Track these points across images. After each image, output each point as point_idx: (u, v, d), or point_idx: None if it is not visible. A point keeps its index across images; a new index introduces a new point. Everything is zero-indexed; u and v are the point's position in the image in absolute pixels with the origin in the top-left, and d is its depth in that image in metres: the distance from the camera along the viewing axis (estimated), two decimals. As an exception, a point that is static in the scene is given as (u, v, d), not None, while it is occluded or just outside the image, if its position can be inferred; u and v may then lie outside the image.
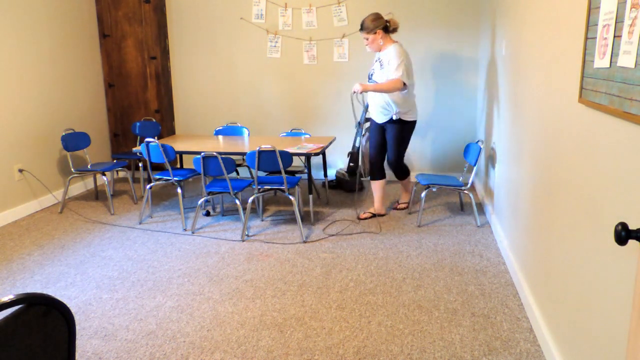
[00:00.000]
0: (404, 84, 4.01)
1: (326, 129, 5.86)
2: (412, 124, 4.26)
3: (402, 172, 4.46)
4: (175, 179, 4.38)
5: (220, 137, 5.06)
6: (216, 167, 3.99)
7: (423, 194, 4.42)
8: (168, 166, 4.33)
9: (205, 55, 5.91)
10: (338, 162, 5.92)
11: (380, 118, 4.28)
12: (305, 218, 4.49)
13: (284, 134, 5.19)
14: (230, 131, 5.31)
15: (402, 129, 4.22)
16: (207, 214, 4.68)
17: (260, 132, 5.99)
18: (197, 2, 5.80)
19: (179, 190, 4.41)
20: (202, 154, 3.97)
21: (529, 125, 2.91)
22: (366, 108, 4.49)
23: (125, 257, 3.69)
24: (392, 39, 4.20)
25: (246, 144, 4.58)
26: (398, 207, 4.67)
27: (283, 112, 5.91)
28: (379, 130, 4.36)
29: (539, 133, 2.66)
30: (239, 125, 5.37)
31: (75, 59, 5.47)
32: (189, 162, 5.85)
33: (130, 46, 5.89)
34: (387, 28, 4.16)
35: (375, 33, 4.12)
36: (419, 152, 5.73)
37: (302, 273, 3.39)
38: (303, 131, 5.24)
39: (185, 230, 4.26)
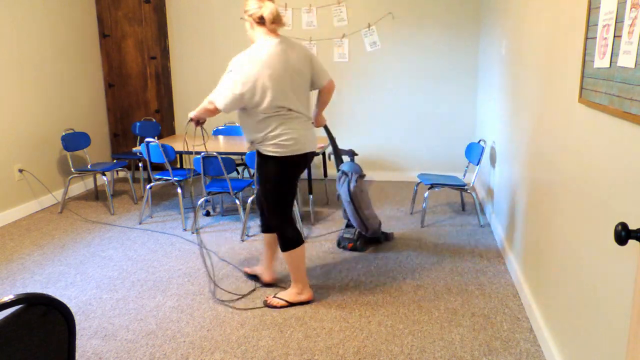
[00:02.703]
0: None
1: (326, 129, 5.86)
2: (281, 161, 2.74)
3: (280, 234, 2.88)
4: (175, 179, 4.38)
5: (220, 137, 5.06)
6: (216, 167, 3.99)
7: (426, 194, 4.42)
8: (168, 166, 4.33)
9: (205, 55, 5.91)
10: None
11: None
12: (305, 218, 4.49)
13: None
14: (230, 131, 5.31)
15: (269, 167, 2.79)
16: (207, 213, 4.68)
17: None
18: (197, 2, 5.80)
19: (179, 190, 4.41)
20: (202, 153, 3.97)
21: (529, 125, 2.91)
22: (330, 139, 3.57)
23: (125, 257, 3.69)
24: (271, 34, 2.70)
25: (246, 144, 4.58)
26: (262, 279, 3.22)
27: (283, 112, 5.90)
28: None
29: (539, 133, 2.66)
30: (238, 125, 5.36)
31: (75, 59, 5.47)
32: (188, 162, 5.85)
33: (130, 46, 5.89)
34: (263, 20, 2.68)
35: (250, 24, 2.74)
36: (418, 152, 5.73)
37: (302, 273, 3.38)
38: None
39: (185, 230, 4.26)
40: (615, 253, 1.62)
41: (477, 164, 4.27)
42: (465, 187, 4.25)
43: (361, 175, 3.52)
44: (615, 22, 1.57)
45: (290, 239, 2.84)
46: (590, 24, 1.83)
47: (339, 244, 3.78)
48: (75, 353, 1.12)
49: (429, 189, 4.28)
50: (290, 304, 2.93)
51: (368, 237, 3.79)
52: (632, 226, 1.48)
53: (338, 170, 3.65)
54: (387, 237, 3.89)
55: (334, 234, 4.10)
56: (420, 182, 4.38)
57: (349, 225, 3.79)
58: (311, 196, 4.34)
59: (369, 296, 3.05)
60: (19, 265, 3.61)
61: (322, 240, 3.97)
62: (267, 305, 2.94)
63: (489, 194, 4.40)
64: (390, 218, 4.47)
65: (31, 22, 4.83)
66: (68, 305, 1.79)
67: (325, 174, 4.91)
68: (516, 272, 3.11)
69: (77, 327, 2.78)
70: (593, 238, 1.81)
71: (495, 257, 3.58)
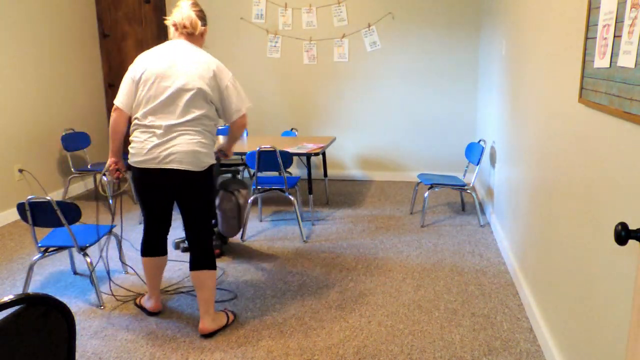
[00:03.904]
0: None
1: (326, 129, 5.87)
2: (132, 170, 2.61)
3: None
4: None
5: (220, 137, 5.06)
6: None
7: (426, 194, 4.42)
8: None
9: (205, 55, 5.91)
10: (338, 162, 5.92)
11: None
12: (305, 218, 4.49)
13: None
14: (226, 131, 5.30)
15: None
16: (177, 246, 4.64)
17: (260, 132, 5.99)
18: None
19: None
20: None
21: (529, 125, 2.91)
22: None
23: (125, 257, 3.69)
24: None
25: (245, 143, 4.58)
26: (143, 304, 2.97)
27: (283, 112, 5.91)
28: None
29: (539, 133, 2.66)
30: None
31: (75, 59, 5.47)
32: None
33: (130, 46, 5.89)
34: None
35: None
36: (418, 152, 5.73)
37: (302, 273, 3.39)
38: (293, 131, 5.22)
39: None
40: (615, 253, 1.62)
41: (477, 164, 4.27)
42: (465, 187, 4.25)
43: (245, 187, 3.57)
44: (615, 22, 1.57)
45: (141, 245, 2.79)
46: (590, 24, 1.83)
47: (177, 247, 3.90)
48: (75, 353, 1.12)
49: (429, 189, 4.28)
50: (141, 308, 2.94)
51: (224, 239, 3.88)
52: (632, 226, 1.48)
53: (217, 190, 3.52)
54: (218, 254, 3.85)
55: (334, 234, 4.10)
56: (420, 182, 4.38)
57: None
58: (311, 196, 4.34)
59: (369, 296, 3.05)
60: (19, 265, 3.61)
61: (322, 240, 3.97)
62: (135, 304, 2.97)
63: (489, 194, 4.40)
64: (390, 218, 4.48)
65: (31, 22, 4.83)
66: (68, 306, 1.79)
67: (325, 174, 4.91)
68: (516, 272, 3.11)
69: (77, 327, 2.77)
70: (593, 238, 1.81)
71: (495, 257, 3.58)
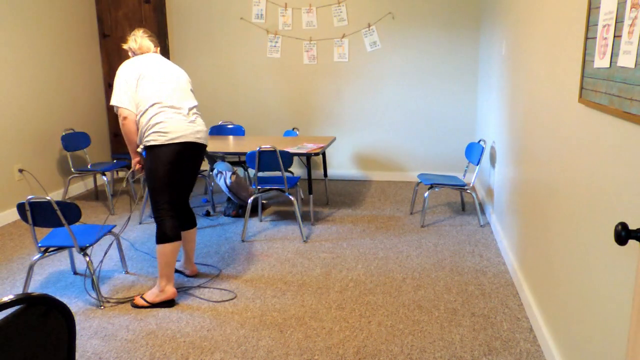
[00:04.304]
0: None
1: (326, 129, 5.87)
2: (160, 151, 2.86)
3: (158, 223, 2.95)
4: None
5: (235, 137, 5.06)
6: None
7: (426, 194, 4.42)
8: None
9: (205, 55, 5.91)
10: (338, 162, 5.92)
11: None
12: (305, 218, 4.49)
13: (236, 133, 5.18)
14: (227, 131, 5.31)
15: (152, 157, 2.90)
16: (207, 213, 4.68)
17: (260, 132, 5.99)
18: (197, 2, 5.80)
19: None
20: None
21: (528, 125, 2.91)
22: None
23: (125, 257, 3.69)
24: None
25: (231, 143, 4.58)
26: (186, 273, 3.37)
27: (283, 112, 5.91)
28: None
29: (539, 133, 2.66)
30: (233, 124, 5.37)
31: (75, 59, 5.47)
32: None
33: (130, 46, 5.88)
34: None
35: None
36: (418, 152, 5.73)
37: (302, 273, 3.39)
38: (295, 131, 5.22)
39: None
40: (615, 253, 1.62)
41: (477, 164, 4.27)
42: (465, 187, 4.25)
43: (233, 173, 4.35)
44: (615, 22, 1.57)
45: (163, 232, 2.91)
46: (590, 24, 1.83)
47: (224, 213, 4.61)
48: (75, 353, 1.12)
49: (429, 189, 4.28)
50: (152, 305, 2.96)
51: (245, 206, 4.50)
52: (632, 226, 1.48)
53: (212, 169, 4.41)
54: (264, 205, 4.84)
55: (334, 234, 4.10)
56: (420, 182, 4.38)
57: (229, 200, 4.63)
58: (311, 196, 4.34)
59: (369, 296, 3.05)
60: (19, 265, 3.61)
61: (321, 240, 3.97)
62: (133, 304, 2.99)
63: (489, 194, 4.40)
64: (390, 218, 4.48)
65: (31, 22, 4.83)
66: (68, 306, 1.79)
67: (325, 174, 4.91)
68: (516, 272, 3.11)
69: (77, 327, 2.78)
70: (593, 238, 1.81)
71: (495, 257, 3.58)
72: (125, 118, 2.88)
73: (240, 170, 6.11)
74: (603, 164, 1.73)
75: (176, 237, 2.93)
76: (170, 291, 2.96)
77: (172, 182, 2.92)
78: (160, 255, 2.92)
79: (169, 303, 2.97)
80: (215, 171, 4.34)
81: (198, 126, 2.98)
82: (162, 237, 2.90)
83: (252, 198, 4.06)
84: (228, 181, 4.30)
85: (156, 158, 2.86)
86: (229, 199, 4.62)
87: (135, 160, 3.05)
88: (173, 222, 2.93)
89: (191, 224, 3.20)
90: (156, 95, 2.88)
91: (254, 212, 4.65)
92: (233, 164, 4.95)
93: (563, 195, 2.19)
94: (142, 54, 3.06)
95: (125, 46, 3.10)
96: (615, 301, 1.61)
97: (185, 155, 2.92)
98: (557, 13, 2.37)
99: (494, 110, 4.24)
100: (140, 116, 2.88)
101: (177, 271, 3.40)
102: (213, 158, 4.54)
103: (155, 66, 2.96)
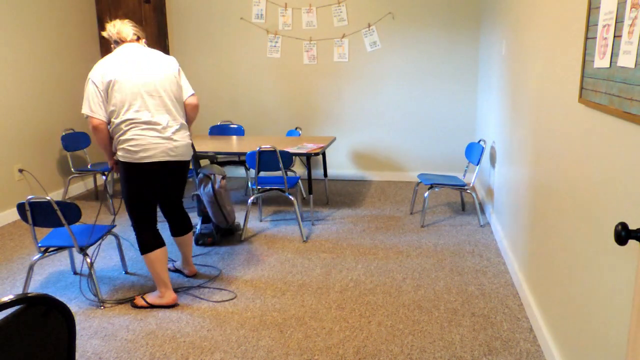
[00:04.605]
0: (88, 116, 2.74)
1: (326, 129, 5.87)
2: (131, 167, 2.75)
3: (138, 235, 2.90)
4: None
5: (234, 137, 5.06)
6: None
7: (426, 194, 4.41)
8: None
9: (205, 55, 5.91)
10: (338, 162, 5.92)
11: None
12: (305, 218, 4.49)
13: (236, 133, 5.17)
14: (227, 130, 5.31)
15: (123, 172, 2.82)
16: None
17: (260, 132, 5.99)
18: (197, 2, 5.80)
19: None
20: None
21: (528, 124, 2.91)
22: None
23: (125, 257, 3.69)
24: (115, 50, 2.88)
25: (235, 143, 4.58)
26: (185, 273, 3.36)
27: (283, 112, 5.91)
28: None
29: (539, 133, 2.66)
30: (233, 124, 5.37)
31: (76, 59, 5.48)
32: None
33: (130, 46, 5.88)
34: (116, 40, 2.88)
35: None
36: (418, 152, 5.73)
37: (302, 273, 3.39)
38: (298, 130, 5.22)
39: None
40: (615, 253, 1.62)
41: (477, 164, 4.27)
42: (465, 187, 4.25)
43: (224, 177, 3.74)
44: (615, 22, 1.57)
45: (143, 243, 2.86)
46: (590, 24, 1.83)
47: (197, 242, 3.91)
48: (75, 353, 1.12)
49: (429, 189, 4.28)
50: (151, 306, 2.96)
51: (223, 230, 4.03)
52: (632, 226, 1.48)
53: (197, 174, 3.76)
54: (237, 227, 4.15)
55: (334, 234, 4.10)
56: (420, 182, 4.38)
57: (204, 221, 3.91)
58: (311, 196, 4.34)
59: (369, 296, 3.05)
60: (19, 265, 3.61)
61: (321, 240, 3.97)
62: (133, 304, 2.99)
63: (489, 194, 4.40)
64: (390, 218, 4.48)
65: (31, 22, 4.83)
66: (68, 306, 1.79)
67: (325, 174, 4.91)
68: (516, 272, 3.11)
69: (77, 327, 2.78)
70: (593, 238, 1.81)
71: (495, 257, 3.58)
72: (95, 127, 2.70)
73: (237, 172, 6.12)
74: (603, 164, 1.73)
75: (156, 245, 2.88)
76: (170, 297, 2.95)
77: (144, 199, 2.83)
78: (147, 265, 2.92)
79: (169, 306, 2.98)
80: (200, 175, 3.72)
81: (174, 142, 2.78)
82: (143, 247, 2.87)
83: (231, 222, 3.81)
84: (217, 185, 3.68)
85: (126, 173, 2.77)
86: (204, 219, 3.91)
87: (111, 162, 2.91)
88: (149, 233, 2.88)
89: (185, 229, 3.18)
90: (127, 108, 2.68)
91: (254, 212, 4.65)
92: (226, 164, 4.92)
93: (563, 195, 2.19)
94: (121, 41, 2.83)
95: (104, 34, 2.88)
96: (615, 301, 1.61)
97: (159, 174, 2.81)
98: (557, 13, 2.37)
99: (494, 110, 4.24)
100: (112, 128, 2.74)
101: (176, 270, 3.42)
102: (197, 160, 4.14)
103: (132, 67, 2.71)
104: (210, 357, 2.47)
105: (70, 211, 2.82)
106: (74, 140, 5.07)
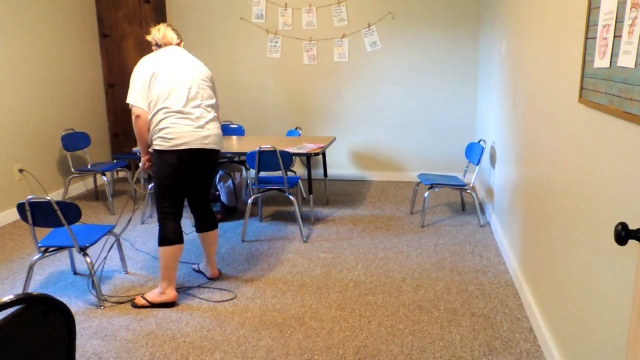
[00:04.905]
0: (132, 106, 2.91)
1: (326, 129, 5.87)
2: (165, 155, 2.86)
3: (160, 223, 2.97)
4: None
5: (234, 137, 5.06)
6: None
7: (426, 194, 4.42)
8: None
9: (205, 55, 5.91)
10: (338, 162, 5.92)
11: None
12: (305, 218, 4.49)
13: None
14: (227, 130, 5.31)
15: (157, 161, 2.92)
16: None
17: (260, 132, 5.99)
18: (197, 2, 5.80)
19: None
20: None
21: (528, 124, 2.91)
22: None
23: (125, 257, 3.69)
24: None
25: (236, 143, 4.58)
26: (208, 276, 3.35)
27: (283, 112, 5.91)
28: None
29: (539, 133, 2.66)
30: (233, 124, 5.37)
31: (75, 59, 5.47)
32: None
33: (130, 46, 5.89)
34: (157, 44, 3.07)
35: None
36: (418, 152, 5.73)
37: (302, 273, 3.39)
38: (298, 130, 5.22)
39: (193, 226, 4.26)
40: (615, 253, 1.62)
41: (477, 164, 4.27)
42: (465, 187, 4.25)
43: (241, 174, 4.53)
44: (615, 22, 1.57)
45: (163, 235, 2.92)
46: (590, 24, 1.83)
47: None
48: (75, 353, 1.12)
49: (429, 189, 4.28)
50: (152, 305, 2.97)
51: (229, 208, 4.55)
52: (632, 226, 1.48)
53: (217, 172, 4.28)
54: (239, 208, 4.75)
55: (334, 234, 4.10)
56: (420, 182, 4.38)
57: (215, 201, 4.53)
58: (311, 196, 4.34)
59: (369, 296, 3.05)
60: (19, 265, 3.61)
61: (322, 240, 3.97)
62: (133, 304, 2.99)
63: (489, 194, 4.40)
64: (390, 218, 4.48)
65: (31, 22, 4.83)
66: (68, 306, 1.79)
67: (325, 174, 4.91)
68: (516, 272, 3.11)
69: (77, 327, 2.78)
70: (593, 238, 1.81)
71: (495, 257, 3.58)
72: (138, 117, 2.87)
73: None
74: (603, 164, 1.73)
75: (177, 241, 2.93)
76: (171, 294, 2.96)
77: (175, 187, 2.92)
78: (160, 258, 2.93)
79: (169, 305, 2.98)
80: (220, 173, 4.33)
81: (207, 131, 2.92)
82: (163, 239, 2.91)
83: (252, 198, 4.06)
84: (237, 179, 4.38)
85: (161, 162, 2.88)
86: (213, 201, 4.54)
87: (144, 158, 3.04)
88: (174, 225, 2.93)
89: (211, 226, 3.19)
90: (165, 99, 2.84)
91: (254, 212, 4.65)
92: (223, 164, 4.97)
93: (563, 195, 2.19)
94: (164, 45, 3.02)
95: (148, 37, 3.06)
96: (615, 301, 1.61)
97: (191, 162, 2.90)
98: (557, 13, 2.37)
99: (494, 110, 4.24)
100: (151, 117, 2.88)
101: (199, 272, 3.41)
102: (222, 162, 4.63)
103: (172, 64, 2.90)
104: (210, 357, 2.47)
105: (70, 211, 2.82)
106: (74, 140, 5.07)
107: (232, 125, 5.35)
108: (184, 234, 4.07)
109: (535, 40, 2.80)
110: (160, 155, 2.87)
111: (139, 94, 2.86)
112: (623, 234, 1.20)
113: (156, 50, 3.04)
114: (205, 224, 3.17)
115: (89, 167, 5.01)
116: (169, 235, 2.91)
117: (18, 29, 4.68)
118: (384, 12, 5.49)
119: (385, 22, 5.49)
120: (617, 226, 1.21)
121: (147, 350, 2.54)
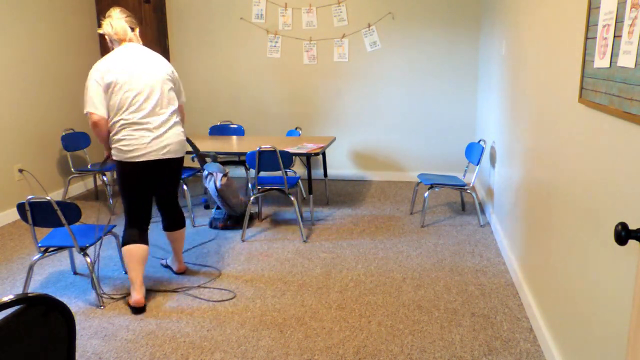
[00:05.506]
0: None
1: (326, 129, 5.86)
2: (123, 165, 2.85)
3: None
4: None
5: (234, 137, 5.06)
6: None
7: (426, 194, 4.42)
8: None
9: (205, 55, 5.91)
10: (338, 162, 5.92)
11: None
12: (305, 218, 4.49)
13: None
14: (227, 130, 5.31)
15: (117, 168, 2.91)
16: (207, 207, 4.68)
17: (260, 132, 5.99)
18: (197, 2, 5.80)
19: (185, 188, 4.43)
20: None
21: (528, 125, 2.91)
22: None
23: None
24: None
25: (235, 143, 4.58)
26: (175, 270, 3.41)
27: (283, 112, 5.91)
28: None
29: (539, 133, 2.66)
30: (233, 124, 5.37)
31: (75, 58, 5.47)
32: (187, 161, 5.84)
33: (130, 46, 5.88)
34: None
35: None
36: (418, 152, 5.73)
37: (302, 273, 3.39)
38: (298, 130, 5.22)
39: (194, 226, 4.26)
40: (615, 253, 1.62)
41: (477, 164, 4.27)
42: (465, 187, 4.25)
43: (225, 174, 4.02)
44: (615, 22, 1.57)
45: (126, 236, 2.95)
46: (590, 24, 1.83)
47: (210, 225, 4.25)
48: (75, 353, 1.12)
49: (429, 189, 4.28)
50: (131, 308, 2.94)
51: (236, 216, 4.27)
52: (632, 226, 1.48)
53: (203, 170, 4.10)
54: (253, 216, 4.45)
55: (334, 234, 4.10)
56: (420, 182, 4.38)
57: (219, 208, 4.26)
58: (311, 196, 4.34)
59: (369, 296, 3.05)
60: (19, 265, 3.61)
61: (322, 240, 3.97)
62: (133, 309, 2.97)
63: (489, 194, 4.40)
64: (390, 218, 4.48)
65: (31, 22, 4.83)
66: (68, 306, 1.79)
67: (325, 174, 4.91)
68: (516, 272, 3.11)
69: (77, 327, 2.78)
70: (593, 238, 1.81)
71: (495, 257, 3.58)
72: (95, 123, 2.78)
73: (237, 171, 6.12)
74: (603, 164, 1.73)
75: (136, 242, 2.92)
76: (133, 298, 2.90)
77: (136, 195, 2.93)
78: (124, 259, 2.99)
79: (135, 310, 2.90)
80: (205, 172, 4.08)
81: (166, 140, 2.86)
82: (124, 240, 2.94)
83: (245, 206, 3.98)
84: (218, 183, 3.97)
85: (119, 171, 2.89)
86: (217, 207, 4.31)
87: (107, 153, 2.98)
88: (136, 229, 2.95)
89: (175, 226, 3.21)
90: (123, 110, 2.77)
91: (254, 212, 4.64)
92: (226, 163, 4.93)
93: (563, 195, 2.19)
94: (120, 41, 2.89)
95: (100, 31, 2.93)
96: (615, 301, 1.61)
97: (149, 172, 2.89)
98: (557, 13, 2.37)
99: (494, 110, 4.24)
100: (110, 125, 2.83)
101: (167, 267, 3.48)
102: (203, 158, 4.16)
103: (130, 72, 2.77)
104: (210, 357, 2.47)
105: (70, 211, 2.82)
106: (74, 140, 5.07)
107: (232, 125, 5.35)
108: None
109: (535, 40, 2.80)
110: (119, 164, 2.86)
111: (98, 101, 2.76)
112: (623, 234, 1.20)
113: (111, 47, 2.94)
114: (170, 224, 3.19)
115: (89, 167, 5.01)
116: (131, 237, 2.92)
117: (18, 29, 4.68)
118: (384, 12, 5.49)
119: (385, 22, 5.49)
120: (617, 226, 1.21)
121: (147, 350, 2.54)
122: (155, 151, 2.84)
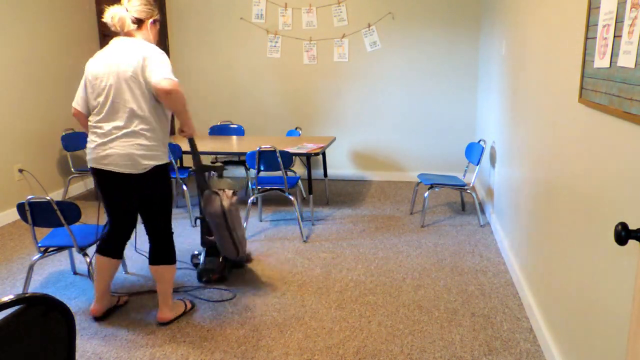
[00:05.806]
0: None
1: (326, 129, 5.87)
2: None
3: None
4: (180, 177, 4.39)
5: (234, 137, 5.06)
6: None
7: (426, 194, 4.42)
8: (174, 164, 4.34)
9: (205, 55, 5.91)
10: (338, 162, 5.92)
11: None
12: (306, 218, 4.49)
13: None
14: (227, 130, 5.31)
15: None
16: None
17: (260, 132, 5.99)
18: (197, 2, 5.80)
19: (185, 188, 4.43)
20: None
21: (528, 125, 2.91)
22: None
23: (126, 257, 3.68)
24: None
25: (235, 143, 4.58)
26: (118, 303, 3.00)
27: (283, 112, 5.91)
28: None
29: (539, 133, 2.66)
30: (233, 124, 5.37)
31: (75, 58, 5.47)
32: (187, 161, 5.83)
33: (130, 46, 5.88)
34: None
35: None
36: (418, 152, 5.73)
37: (302, 273, 3.39)
38: (298, 130, 5.22)
39: (193, 226, 4.26)
40: (615, 253, 1.62)
41: (477, 164, 4.27)
42: (465, 187, 4.25)
43: (234, 192, 3.01)
44: (615, 22, 1.57)
45: (99, 243, 2.81)
46: (590, 24, 1.83)
47: (200, 278, 3.26)
48: (75, 353, 1.12)
49: (429, 189, 4.28)
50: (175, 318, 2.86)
51: (232, 262, 3.38)
52: (632, 226, 1.48)
53: (203, 191, 3.00)
54: (248, 258, 3.57)
55: (334, 234, 4.10)
56: (420, 182, 4.38)
57: (209, 254, 3.30)
58: (311, 196, 4.34)
59: (369, 296, 3.05)
60: (19, 265, 3.61)
61: (321, 240, 3.97)
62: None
63: (489, 194, 4.40)
64: (390, 218, 4.48)
65: (31, 22, 4.83)
66: (68, 305, 1.79)
67: (325, 174, 4.91)
68: (516, 272, 3.11)
69: (77, 327, 2.78)
70: (593, 238, 1.81)
71: (495, 257, 3.58)
72: (74, 116, 2.69)
73: (237, 171, 6.12)
74: (603, 164, 1.73)
75: (103, 252, 2.77)
76: (91, 306, 2.84)
77: (105, 203, 2.72)
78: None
79: (94, 318, 2.83)
80: (206, 193, 2.97)
81: (109, 149, 2.53)
82: (97, 246, 2.82)
83: (242, 252, 3.09)
84: (226, 202, 2.93)
85: None
86: (208, 251, 3.30)
87: None
88: (106, 237, 2.79)
89: (154, 259, 2.74)
90: (92, 109, 2.61)
91: (254, 212, 4.64)
92: (226, 163, 4.91)
93: (563, 195, 2.19)
94: (116, 31, 2.65)
95: (108, 21, 2.66)
96: (615, 301, 1.61)
97: (103, 183, 2.65)
98: (557, 13, 2.37)
99: (494, 110, 4.24)
100: None
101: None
102: (203, 169, 3.10)
103: (98, 68, 2.56)
104: (210, 357, 2.47)
105: (70, 211, 2.82)
106: (74, 140, 5.07)
107: (232, 125, 5.35)
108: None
109: (535, 40, 2.80)
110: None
111: (79, 95, 2.64)
112: (623, 234, 1.20)
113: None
114: (153, 256, 2.75)
115: (89, 167, 5.00)
116: (99, 247, 2.78)
117: (18, 29, 4.68)
118: (384, 12, 5.49)
119: (385, 22, 5.49)
120: (617, 226, 1.21)
121: (147, 350, 2.54)
122: (95, 159, 2.57)
